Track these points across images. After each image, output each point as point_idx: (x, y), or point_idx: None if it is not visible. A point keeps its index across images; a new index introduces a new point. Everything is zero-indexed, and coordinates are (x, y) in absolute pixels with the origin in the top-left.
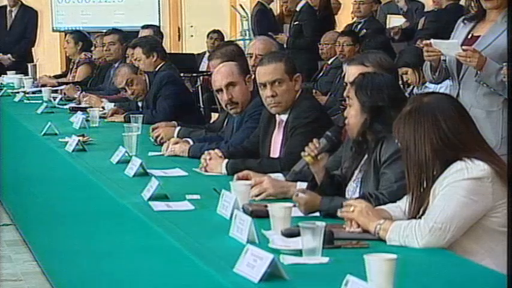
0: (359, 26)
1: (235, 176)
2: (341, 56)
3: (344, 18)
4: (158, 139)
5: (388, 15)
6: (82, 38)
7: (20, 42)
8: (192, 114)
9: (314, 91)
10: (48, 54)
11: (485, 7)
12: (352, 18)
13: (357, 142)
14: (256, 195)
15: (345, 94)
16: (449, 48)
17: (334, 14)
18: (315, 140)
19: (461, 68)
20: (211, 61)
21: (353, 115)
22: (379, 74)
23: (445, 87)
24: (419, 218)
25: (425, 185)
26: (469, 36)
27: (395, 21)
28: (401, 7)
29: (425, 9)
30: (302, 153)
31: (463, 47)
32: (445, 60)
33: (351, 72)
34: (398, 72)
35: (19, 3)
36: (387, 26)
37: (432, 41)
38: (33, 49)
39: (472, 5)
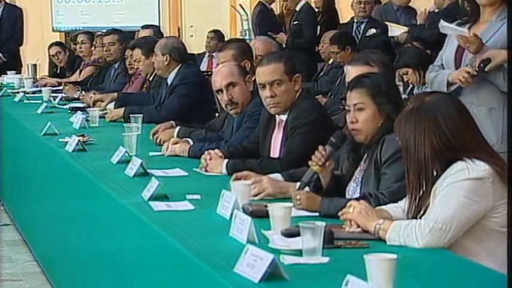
0: (362, 26)
1: (234, 176)
2: (337, 62)
3: (346, 16)
4: (157, 141)
5: (387, 23)
6: (92, 38)
7: (9, 41)
8: (203, 115)
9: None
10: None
11: (480, 3)
12: (352, 18)
13: (353, 148)
14: (255, 195)
15: (349, 101)
16: (453, 31)
17: (337, 15)
18: (320, 148)
19: (461, 66)
20: (221, 52)
21: (367, 119)
22: (377, 73)
23: None
24: (420, 218)
25: (424, 185)
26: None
27: (394, 30)
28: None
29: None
30: (309, 163)
31: (473, 33)
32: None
33: (355, 72)
34: (395, 72)
35: (3, 2)
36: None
37: (441, 23)
38: (31, 49)
39: (466, 4)
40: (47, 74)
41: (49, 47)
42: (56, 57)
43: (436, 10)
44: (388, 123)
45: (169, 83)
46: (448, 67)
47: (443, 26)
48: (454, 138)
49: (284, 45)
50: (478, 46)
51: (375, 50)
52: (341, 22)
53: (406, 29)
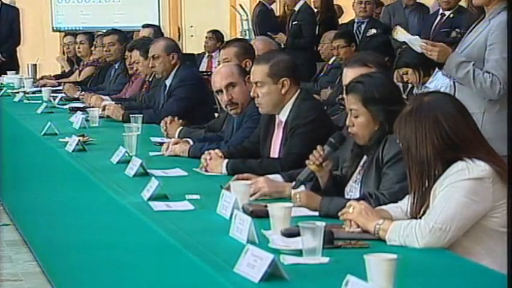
0: (362, 26)
1: (235, 177)
2: (338, 58)
3: (347, 19)
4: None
5: (397, 27)
6: (92, 40)
7: (7, 41)
8: (202, 116)
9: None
10: (48, 54)
11: (475, 3)
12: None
13: (357, 144)
14: (251, 195)
15: (346, 104)
16: (414, 42)
17: (337, 16)
18: (318, 147)
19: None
20: (224, 49)
21: (361, 125)
22: (374, 75)
23: (444, 87)
24: (420, 218)
25: (427, 185)
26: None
27: (400, 36)
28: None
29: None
30: (307, 162)
31: (423, 41)
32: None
33: (353, 74)
34: (393, 72)
35: (0, 2)
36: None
37: (398, 36)
38: (31, 49)
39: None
40: (59, 73)
41: (64, 36)
42: (67, 47)
43: (441, 11)
44: (383, 128)
45: (167, 85)
46: None
47: (409, 39)
48: (456, 136)
49: (283, 46)
50: (440, 53)
51: (370, 51)
52: (341, 22)
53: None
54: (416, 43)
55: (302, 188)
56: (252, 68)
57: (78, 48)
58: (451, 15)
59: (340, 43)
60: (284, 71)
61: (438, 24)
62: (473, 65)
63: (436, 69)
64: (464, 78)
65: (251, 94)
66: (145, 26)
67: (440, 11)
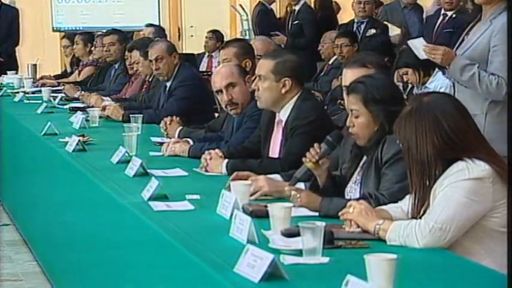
0: (362, 26)
1: (234, 175)
2: (340, 57)
3: (346, 18)
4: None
5: (390, 25)
6: (91, 40)
7: (6, 42)
8: (202, 116)
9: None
10: (48, 54)
11: (477, 2)
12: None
13: (357, 145)
14: (252, 194)
15: (347, 104)
16: (418, 45)
17: (336, 14)
18: (315, 145)
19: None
20: (224, 50)
21: (362, 126)
22: (375, 76)
23: (444, 87)
24: (420, 217)
25: (427, 185)
26: (461, 39)
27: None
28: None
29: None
30: (303, 159)
31: (426, 44)
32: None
33: (352, 74)
34: (393, 72)
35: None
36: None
37: (409, 41)
38: (30, 49)
39: (469, 5)
40: (59, 73)
41: (61, 38)
42: (64, 51)
43: (443, 12)
44: (383, 129)
45: (167, 85)
46: None
47: (411, 42)
48: (456, 136)
49: (283, 46)
50: (444, 57)
51: (370, 52)
52: (343, 21)
53: (399, 30)
54: (419, 45)
55: (299, 185)
56: (259, 61)
57: (74, 49)
58: (453, 16)
59: (344, 42)
60: (288, 71)
61: (441, 25)
62: (478, 67)
63: (436, 69)
64: (469, 81)
65: (252, 86)
66: (148, 25)
67: (442, 11)
